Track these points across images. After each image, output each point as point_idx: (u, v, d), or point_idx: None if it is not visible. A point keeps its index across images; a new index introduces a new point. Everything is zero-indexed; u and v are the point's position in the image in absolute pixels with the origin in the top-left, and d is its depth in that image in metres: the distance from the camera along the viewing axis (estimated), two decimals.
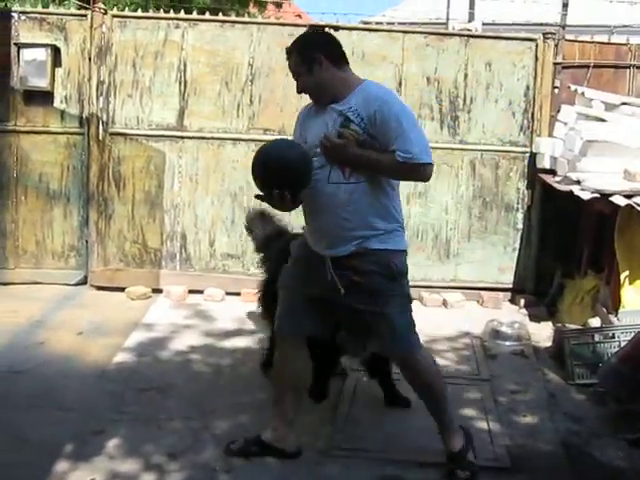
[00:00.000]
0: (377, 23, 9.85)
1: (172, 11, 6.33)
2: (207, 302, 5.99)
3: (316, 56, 3.23)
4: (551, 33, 6.31)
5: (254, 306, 5.74)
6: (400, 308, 3.30)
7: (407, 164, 3.08)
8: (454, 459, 3.34)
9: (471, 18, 14.83)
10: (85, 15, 6.18)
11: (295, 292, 3.37)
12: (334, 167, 3.16)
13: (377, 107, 3.12)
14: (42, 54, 6.00)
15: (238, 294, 6.02)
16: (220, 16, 6.44)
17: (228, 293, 6.05)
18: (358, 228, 3.18)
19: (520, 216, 6.38)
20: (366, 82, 3.29)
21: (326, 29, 6.12)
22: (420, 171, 3.16)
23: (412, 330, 3.36)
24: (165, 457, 3.33)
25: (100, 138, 6.12)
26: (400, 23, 9.63)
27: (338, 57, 3.31)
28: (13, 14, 6.15)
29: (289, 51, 3.32)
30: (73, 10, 6.62)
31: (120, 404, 3.90)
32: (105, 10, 6.23)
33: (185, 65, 6.14)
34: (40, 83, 6.05)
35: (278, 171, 3.11)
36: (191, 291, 6.07)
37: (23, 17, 6.12)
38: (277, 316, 3.44)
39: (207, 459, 3.34)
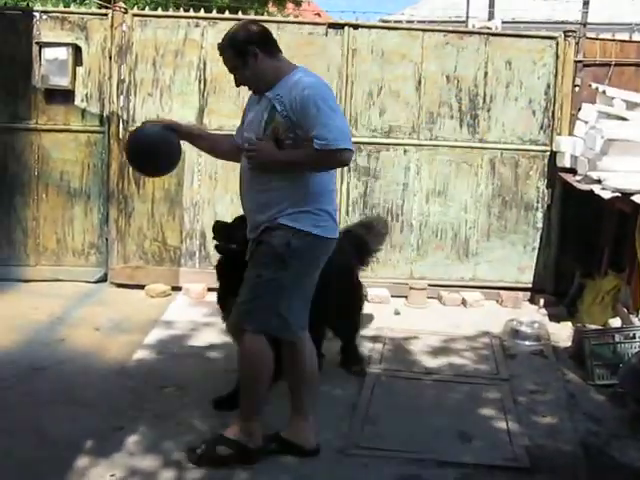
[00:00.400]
0: (396, 21, 9.80)
1: (192, 10, 6.36)
2: None
3: (250, 49, 3.29)
4: (572, 31, 6.28)
5: None
6: (258, 281, 3.27)
7: (323, 151, 3.14)
8: (213, 441, 3.36)
9: (491, 16, 14.78)
10: (106, 14, 6.22)
11: None
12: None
13: (297, 93, 3.20)
14: (63, 53, 6.04)
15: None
16: (240, 15, 6.45)
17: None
18: (273, 203, 3.26)
19: (540, 215, 6.35)
20: (296, 69, 3.36)
21: (345, 27, 6.17)
22: (337, 157, 3.20)
23: (268, 315, 3.27)
24: (184, 454, 3.34)
25: (120, 136, 6.15)
26: (419, 21, 9.61)
27: (271, 47, 3.38)
28: (35, 13, 6.20)
29: (222, 47, 3.36)
30: (94, 9, 6.65)
31: (140, 401, 3.92)
32: (126, 9, 6.26)
33: (205, 64, 6.16)
34: (61, 82, 6.09)
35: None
36: (210, 289, 6.05)
37: (45, 16, 6.17)
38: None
39: None
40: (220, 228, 3.88)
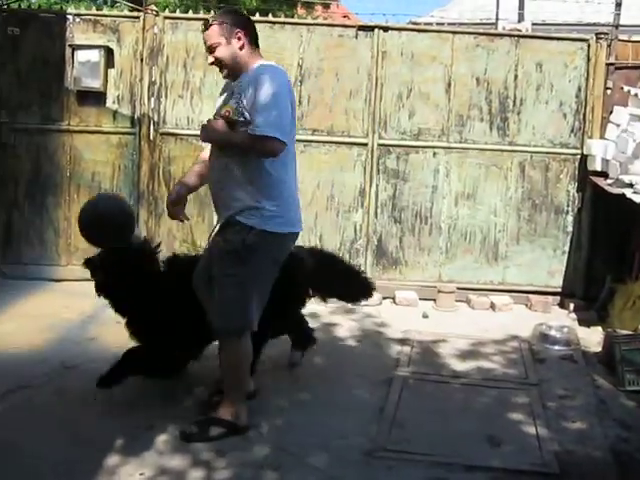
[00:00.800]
0: (426, 24, 9.80)
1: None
2: None
3: (236, 30, 3.45)
4: (604, 33, 6.22)
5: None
6: (230, 281, 3.43)
7: (252, 136, 3.32)
8: (205, 422, 3.56)
9: (521, 18, 14.69)
10: (138, 17, 6.28)
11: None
12: None
13: (251, 81, 3.38)
14: (95, 55, 6.11)
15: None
16: (270, 17, 6.48)
17: None
18: (230, 200, 3.43)
19: (570, 219, 6.31)
20: (268, 63, 3.52)
21: (375, 30, 6.17)
22: (263, 144, 3.33)
23: (236, 312, 3.46)
24: (213, 454, 3.36)
25: (151, 138, 6.22)
26: (449, 24, 9.57)
27: (254, 38, 3.55)
28: (68, 16, 6.29)
29: (209, 22, 3.47)
30: (126, 12, 6.71)
31: (169, 400, 3.94)
32: (157, 12, 6.32)
33: None
34: (93, 84, 6.16)
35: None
36: None
37: (77, 19, 6.25)
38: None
39: (255, 457, 3.36)
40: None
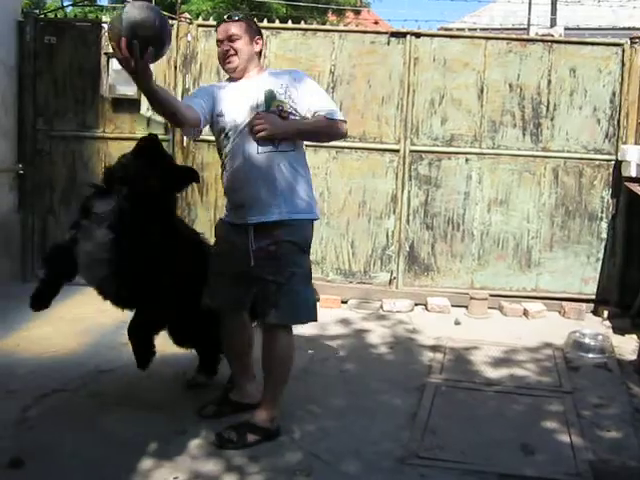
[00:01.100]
0: (457, 30, 9.76)
1: (255, 20, 6.43)
2: None
3: (258, 37, 3.61)
4: (638, 37, 6.15)
5: (334, 312, 5.84)
6: (303, 283, 3.53)
7: (330, 120, 3.51)
8: (244, 426, 3.58)
9: (553, 23, 14.60)
10: (171, 25, 6.33)
11: (220, 273, 3.65)
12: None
13: (291, 81, 3.52)
14: None
15: (317, 300, 6.05)
16: (302, 25, 6.51)
17: None
18: (285, 196, 3.45)
19: (604, 225, 6.25)
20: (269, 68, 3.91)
21: (407, 36, 6.17)
22: (340, 126, 3.58)
23: (306, 305, 3.58)
24: (246, 459, 3.38)
25: (184, 145, 6.28)
26: (482, 29, 9.54)
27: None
28: (103, 25, 6.35)
29: (235, 17, 3.56)
30: None
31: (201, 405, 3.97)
32: (191, 20, 6.38)
33: None
34: (128, 91, 6.23)
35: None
36: None
37: None
38: (210, 295, 3.69)
39: (287, 462, 3.37)
40: None
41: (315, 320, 3.63)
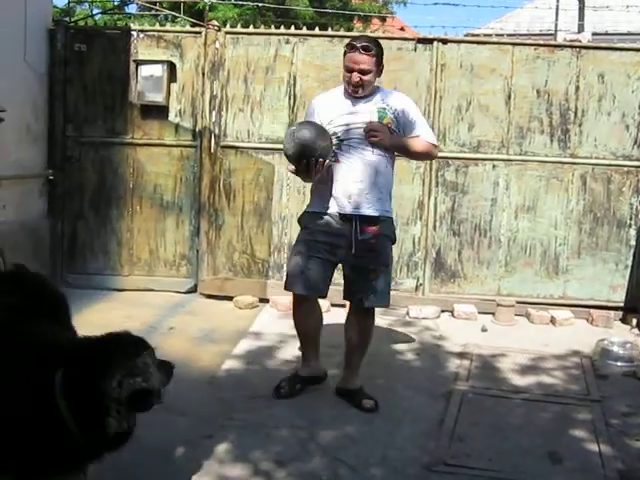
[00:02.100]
0: (485, 36, 9.74)
1: (282, 27, 6.47)
2: None
3: (382, 65, 4.11)
4: None
5: None
6: (389, 269, 4.17)
7: (428, 143, 4.19)
8: (359, 393, 4.13)
9: (580, 29, 14.49)
10: (199, 32, 6.39)
11: (313, 257, 4.04)
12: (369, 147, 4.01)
13: (399, 104, 4.12)
14: (159, 70, 6.25)
15: (343, 306, 6.04)
16: (330, 32, 6.53)
17: (333, 305, 6.09)
18: (383, 194, 4.07)
19: (633, 232, 6.19)
20: (379, 87, 4.20)
21: (434, 42, 6.17)
22: (434, 149, 4.32)
23: (390, 292, 4.21)
24: (273, 464, 3.38)
25: (212, 151, 6.32)
26: (509, 35, 9.50)
27: None
28: (132, 32, 6.44)
29: (370, 49, 3.97)
30: (188, 27, 6.84)
31: (229, 410, 3.98)
32: (219, 27, 6.42)
33: (295, 80, 6.26)
34: (156, 98, 6.30)
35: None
36: None
37: (141, 35, 6.40)
38: (302, 280, 4.07)
39: (314, 468, 3.38)
40: None
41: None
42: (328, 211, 4.04)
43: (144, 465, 3.34)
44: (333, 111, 4.07)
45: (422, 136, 4.13)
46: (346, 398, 4.15)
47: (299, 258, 4.08)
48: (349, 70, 3.99)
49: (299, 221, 4.29)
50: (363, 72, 3.96)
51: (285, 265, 6.31)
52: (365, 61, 3.96)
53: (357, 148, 4.00)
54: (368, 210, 3.98)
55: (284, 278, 6.36)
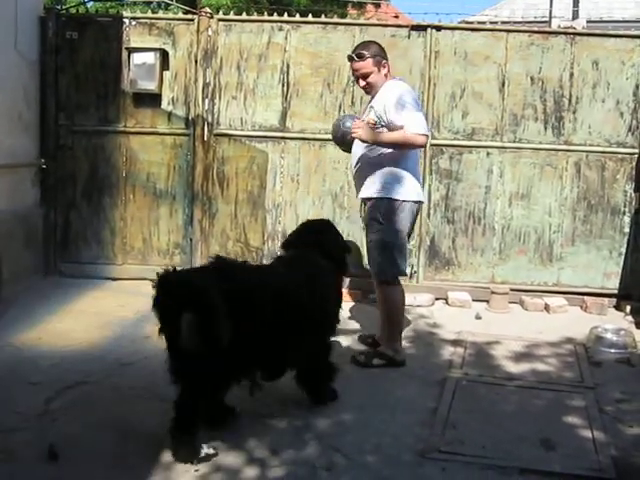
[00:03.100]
0: (478, 23, 9.71)
1: (275, 14, 6.43)
2: None
3: (384, 61, 4.60)
4: None
5: (354, 305, 5.83)
6: (379, 244, 4.59)
7: (410, 133, 4.42)
8: (371, 353, 4.64)
9: (575, 16, 14.46)
10: (192, 19, 6.35)
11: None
12: None
13: (384, 97, 4.53)
14: (151, 58, 6.21)
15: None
16: (323, 18, 6.49)
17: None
18: (374, 178, 4.55)
19: (627, 220, 6.21)
20: (386, 83, 4.59)
21: (428, 29, 6.14)
22: (415, 138, 4.46)
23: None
24: (267, 452, 3.39)
25: (205, 139, 6.30)
26: (503, 22, 9.47)
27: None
28: (124, 20, 6.39)
29: (362, 55, 4.52)
30: (181, 15, 6.79)
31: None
32: (211, 14, 6.38)
33: (288, 67, 6.24)
34: (149, 86, 6.27)
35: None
36: None
37: (134, 22, 6.35)
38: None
39: (308, 456, 3.38)
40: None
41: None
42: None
43: (137, 454, 3.34)
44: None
45: (405, 127, 4.40)
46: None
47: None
48: (356, 78, 4.69)
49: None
50: (364, 76, 4.57)
51: (278, 252, 6.32)
52: (362, 66, 4.55)
53: (358, 144, 4.63)
54: (361, 193, 4.70)
55: None
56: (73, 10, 7.00)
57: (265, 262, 6.34)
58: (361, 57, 4.53)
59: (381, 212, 4.53)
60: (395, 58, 6.11)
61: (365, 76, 4.58)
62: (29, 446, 3.34)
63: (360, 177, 4.68)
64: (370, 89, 4.63)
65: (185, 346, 3.08)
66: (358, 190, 4.74)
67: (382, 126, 4.50)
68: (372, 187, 4.57)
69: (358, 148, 4.63)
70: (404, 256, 4.70)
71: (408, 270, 6.26)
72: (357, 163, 4.69)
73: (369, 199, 4.61)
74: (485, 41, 6.18)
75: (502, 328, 5.51)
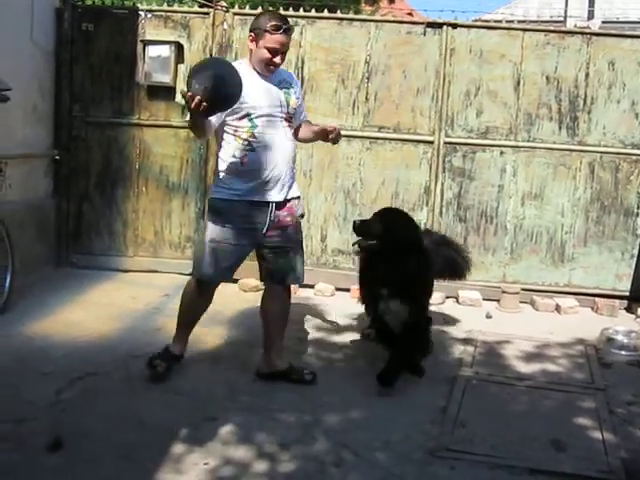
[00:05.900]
0: (495, 21, 9.67)
1: (291, 9, 6.42)
2: (317, 297, 6.09)
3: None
4: None
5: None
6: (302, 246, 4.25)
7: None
8: (292, 370, 4.19)
9: (590, 16, 14.40)
10: (208, 13, 6.35)
11: (229, 247, 4.01)
12: (288, 127, 4.02)
13: (294, 81, 4.17)
14: (166, 51, 6.22)
15: (348, 290, 6.04)
16: (338, 14, 6.48)
17: (338, 289, 6.10)
18: (292, 177, 4.11)
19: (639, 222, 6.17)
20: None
21: (444, 27, 6.12)
22: None
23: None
24: (277, 447, 3.39)
25: None
26: (520, 21, 9.43)
27: None
28: (140, 12, 6.40)
29: (290, 29, 3.93)
30: (196, 8, 6.80)
31: (233, 392, 3.99)
32: (227, 8, 6.38)
33: (303, 62, 6.23)
34: (163, 79, 6.27)
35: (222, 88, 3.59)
36: (301, 285, 6.12)
37: (149, 15, 6.36)
38: (205, 266, 4.05)
39: (317, 452, 3.38)
40: (359, 225, 4.28)
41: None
42: (240, 198, 4.08)
43: (146, 446, 3.35)
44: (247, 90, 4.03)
45: (305, 115, 4.34)
46: (281, 379, 4.15)
47: (218, 244, 4.14)
48: (275, 53, 3.91)
49: None
50: (285, 52, 3.98)
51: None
52: (287, 42, 3.96)
53: (272, 134, 4.09)
54: (277, 196, 4.09)
55: None
56: (89, 2, 7.00)
57: None
58: (290, 32, 3.95)
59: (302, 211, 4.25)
60: (410, 55, 6.14)
61: (285, 53, 3.96)
62: (39, 435, 3.35)
63: (287, 174, 4.05)
64: (277, 67, 3.97)
65: None
66: (281, 190, 4.03)
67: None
68: (295, 185, 4.16)
69: (287, 141, 4.03)
70: None
71: None
72: (273, 153, 3.96)
73: (297, 198, 4.17)
74: (501, 40, 6.16)
75: (513, 328, 5.49)
